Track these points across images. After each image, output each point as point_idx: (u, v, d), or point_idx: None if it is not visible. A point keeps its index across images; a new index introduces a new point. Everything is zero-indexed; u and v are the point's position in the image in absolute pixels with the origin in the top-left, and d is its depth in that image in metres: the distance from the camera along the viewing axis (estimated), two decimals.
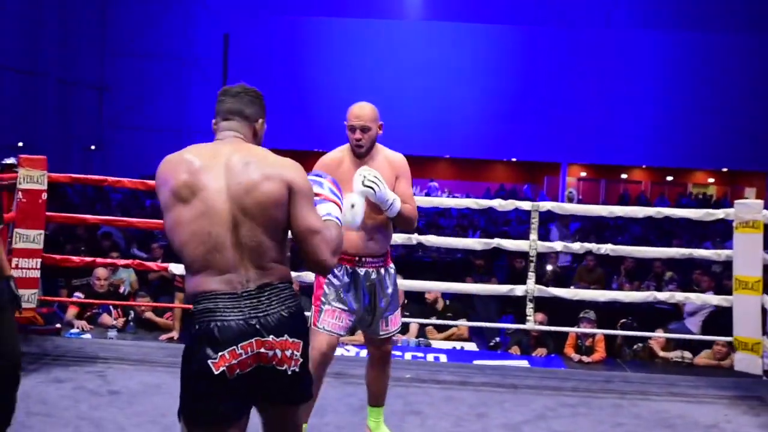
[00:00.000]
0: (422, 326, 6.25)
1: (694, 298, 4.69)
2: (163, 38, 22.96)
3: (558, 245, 4.68)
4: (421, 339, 5.95)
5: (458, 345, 6.00)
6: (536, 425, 3.90)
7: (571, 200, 21.07)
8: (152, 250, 8.16)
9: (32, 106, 19.37)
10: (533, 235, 4.63)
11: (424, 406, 4.07)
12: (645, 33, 22.71)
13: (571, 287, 7.94)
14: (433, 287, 5.03)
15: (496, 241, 4.65)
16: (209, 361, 1.97)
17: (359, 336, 5.72)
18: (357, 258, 3.15)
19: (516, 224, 15.77)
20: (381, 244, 3.20)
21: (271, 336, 2.01)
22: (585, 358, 5.54)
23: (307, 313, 2.42)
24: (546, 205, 4.65)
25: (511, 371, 4.95)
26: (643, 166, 24.90)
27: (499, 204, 4.71)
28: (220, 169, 2.07)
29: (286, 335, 2.04)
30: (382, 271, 3.23)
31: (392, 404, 4.05)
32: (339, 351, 5.61)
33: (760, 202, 4.48)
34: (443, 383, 4.53)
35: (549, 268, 8.73)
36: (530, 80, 22.81)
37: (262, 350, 2.01)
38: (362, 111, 3.15)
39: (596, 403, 4.31)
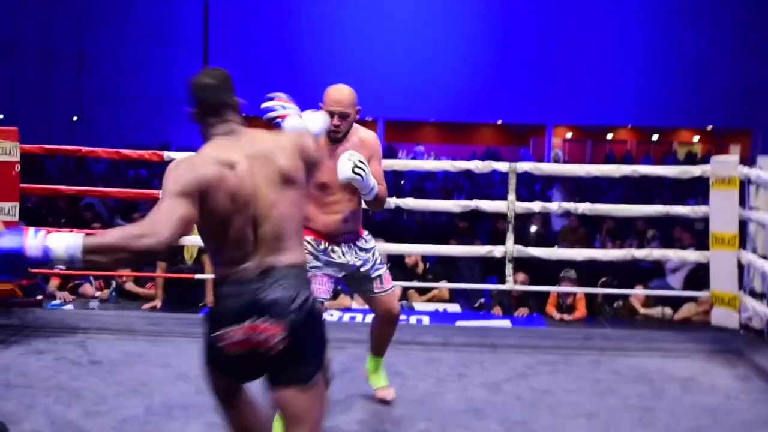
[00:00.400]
0: (404, 290, 6.27)
1: (672, 255, 4.72)
2: (142, 7, 22.63)
3: (536, 206, 4.68)
4: (403, 302, 5.97)
5: (441, 307, 6.03)
6: (516, 383, 3.95)
7: (557, 161, 21.08)
8: (133, 220, 8.12)
9: (11, 77, 19.11)
10: (511, 196, 4.63)
11: (405, 368, 4.10)
12: None
13: (556, 247, 8.01)
14: (412, 250, 5.04)
15: (474, 203, 4.66)
16: (212, 336, 2.14)
17: (342, 300, 5.76)
18: (332, 236, 3.18)
19: (500, 186, 15.80)
20: (354, 223, 3.23)
21: (261, 319, 2.09)
22: (566, 317, 5.59)
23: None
24: (523, 166, 4.65)
25: (492, 331, 5.00)
26: (629, 126, 24.93)
27: (476, 166, 4.70)
28: (248, 166, 2.11)
29: (276, 317, 2.10)
30: (356, 243, 3.26)
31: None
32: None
33: (736, 158, 4.49)
34: (425, 345, 4.56)
35: (533, 229, 8.76)
36: (515, 42, 22.70)
37: (252, 335, 2.09)
38: (341, 95, 3.03)
39: (575, 360, 4.36)
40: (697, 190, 12.46)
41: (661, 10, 22.16)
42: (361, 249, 3.28)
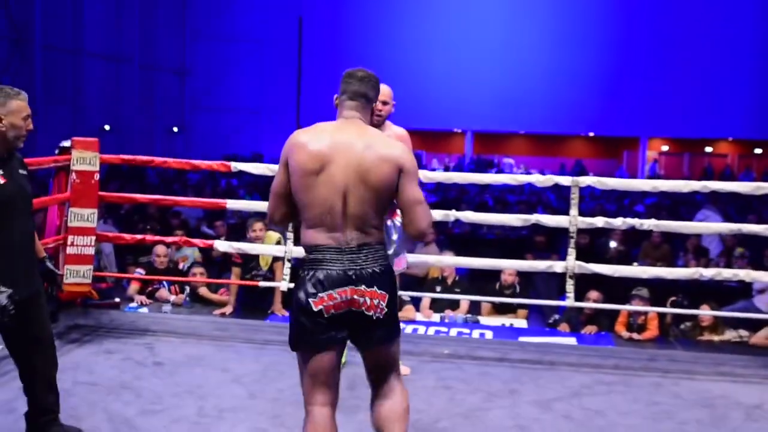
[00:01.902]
0: (475, 304, 6.22)
1: (743, 275, 4.50)
2: (240, 21, 23.41)
3: (599, 221, 4.57)
4: (468, 315, 5.94)
5: (508, 322, 5.95)
6: (568, 402, 3.86)
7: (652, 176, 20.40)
8: (216, 227, 8.41)
9: (117, 91, 20.14)
10: (573, 211, 4.54)
11: (455, 382, 4.09)
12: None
13: (635, 264, 7.76)
14: (457, 263, 4.99)
15: (535, 217, 4.59)
16: (310, 300, 2.45)
17: (406, 312, 5.77)
18: None
19: (589, 200, 15.43)
20: None
21: (363, 286, 2.46)
22: (636, 336, 5.41)
23: None
24: (586, 180, 4.55)
25: (553, 348, 4.90)
26: (730, 139, 23.86)
27: (536, 179, 4.64)
28: (346, 149, 2.47)
29: (375, 287, 2.48)
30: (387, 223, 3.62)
31: (424, 379, 4.10)
32: None
33: None
34: (480, 359, 4.53)
35: (613, 245, 8.52)
36: (607, 52, 22.17)
37: (354, 297, 2.46)
38: (383, 87, 3.35)
39: (635, 382, 4.22)
40: None
41: (764, 18, 21.15)
42: (391, 234, 3.68)
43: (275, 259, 5.84)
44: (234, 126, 23.31)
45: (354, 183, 2.46)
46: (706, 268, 5.13)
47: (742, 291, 7.17)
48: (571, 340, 5.37)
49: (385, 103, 3.65)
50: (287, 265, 4.80)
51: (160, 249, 6.26)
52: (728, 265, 7.98)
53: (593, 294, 5.86)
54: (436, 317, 6.02)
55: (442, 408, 3.66)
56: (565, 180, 4.59)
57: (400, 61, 22.70)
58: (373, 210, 2.50)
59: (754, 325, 5.78)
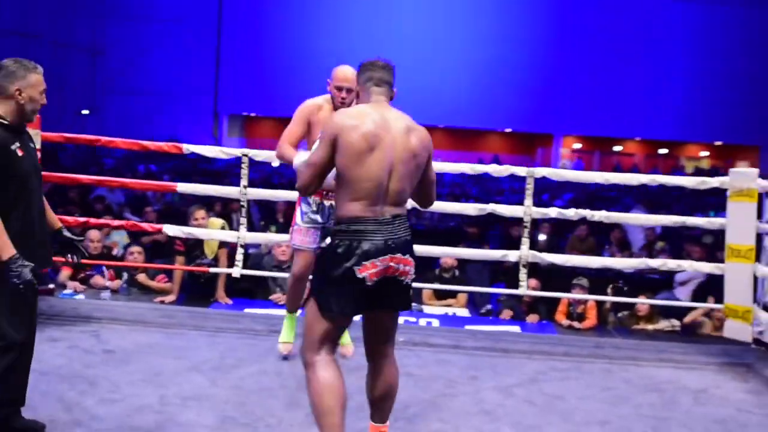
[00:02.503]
0: (417, 292, 6.27)
1: (686, 266, 4.72)
2: (157, 2, 22.68)
3: (552, 211, 4.69)
4: (414, 304, 5.96)
5: (450, 311, 6.03)
6: (528, 388, 3.94)
7: None
8: (145, 213, 8.13)
9: None
10: (528, 201, 4.63)
11: (415, 369, 4.10)
12: (644, 3, 22.56)
13: (503, 251, 7.96)
14: (429, 252, 5.03)
15: (491, 207, 4.65)
16: (356, 268, 2.61)
17: None
18: (325, 192, 3.69)
19: (509, 194, 15.80)
20: None
21: (399, 254, 2.67)
22: (576, 324, 5.58)
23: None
24: (541, 171, 4.65)
25: (503, 336, 4.99)
26: (637, 139, 24.92)
27: (493, 170, 4.71)
28: (393, 130, 2.68)
29: (408, 254, 2.72)
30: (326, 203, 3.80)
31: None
32: None
33: (755, 170, 4.49)
34: (436, 347, 4.56)
35: (542, 237, 8.75)
36: (526, 50, 22.71)
37: (392, 264, 2.66)
38: (350, 74, 3.61)
39: (587, 368, 4.36)
40: (706, 204, 12.44)
41: (673, 25, 22.16)
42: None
43: (220, 246, 5.71)
44: (149, 109, 22.59)
45: (399, 161, 2.67)
46: (638, 258, 5.31)
47: (664, 283, 7.52)
48: (516, 328, 5.48)
49: (350, 90, 3.64)
50: (240, 251, 4.68)
51: (93, 234, 6.01)
52: (651, 256, 8.34)
53: (532, 282, 5.99)
54: None
55: (409, 394, 3.66)
56: (520, 171, 4.67)
57: (322, 46, 22.55)
58: (409, 185, 2.74)
59: (679, 315, 6.06)
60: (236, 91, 23.40)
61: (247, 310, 5.33)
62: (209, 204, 7.93)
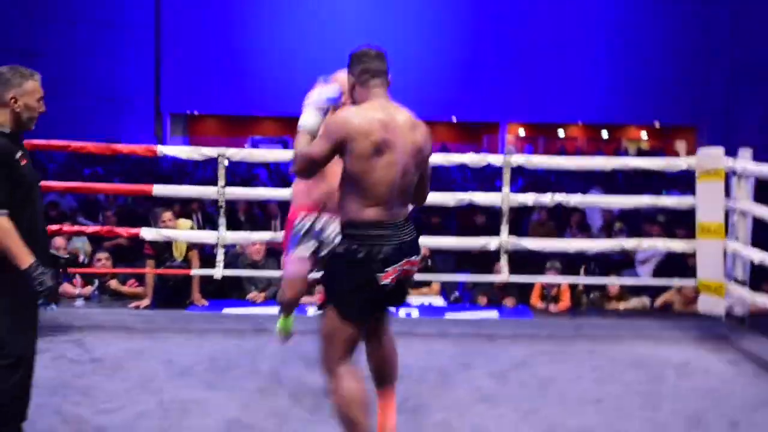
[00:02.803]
0: None
1: (660, 245, 4.87)
2: (92, 3, 22.08)
3: (529, 198, 4.77)
4: None
5: (426, 300, 6.08)
6: (520, 372, 4.03)
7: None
8: (106, 218, 7.94)
9: None
10: (506, 189, 4.71)
11: (408, 359, 4.10)
12: None
13: (484, 238, 8.12)
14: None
15: (469, 196, 4.71)
16: (378, 275, 2.56)
17: None
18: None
19: (461, 182, 15.95)
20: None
21: (412, 256, 2.68)
22: (551, 307, 5.69)
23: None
24: (518, 159, 4.73)
25: (485, 323, 5.07)
26: (579, 123, 25.40)
27: (470, 159, 4.77)
28: (401, 131, 2.60)
29: (416, 255, 2.71)
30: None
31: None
32: (312, 310, 5.63)
33: (721, 150, 4.64)
34: (423, 336, 4.61)
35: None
36: (468, 39, 22.90)
37: (405, 267, 2.64)
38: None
39: (571, 349, 4.46)
40: (658, 185, 12.76)
41: (609, 9, 22.65)
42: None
43: (189, 248, 5.63)
44: (86, 113, 21.99)
45: (409, 162, 2.62)
46: (613, 240, 5.46)
47: (626, 262, 7.73)
48: (494, 314, 5.56)
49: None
50: (221, 251, 4.63)
51: (59, 241, 5.84)
52: (609, 237, 8.54)
53: (504, 268, 6.08)
54: None
55: (405, 387, 3.67)
56: (497, 159, 4.74)
57: (264, 44, 22.37)
58: (414, 184, 2.70)
59: (648, 292, 6.24)
60: (178, 89, 22.97)
61: (226, 311, 5.29)
62: (167, 206, 7.80)
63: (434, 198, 4.96)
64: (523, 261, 6.52)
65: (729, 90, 22.19)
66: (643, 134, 25.96)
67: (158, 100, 23.53)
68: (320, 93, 2.80)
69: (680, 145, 24.73)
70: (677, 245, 4.83)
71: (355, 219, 2.61)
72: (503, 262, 4.78)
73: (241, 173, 14.78)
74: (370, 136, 2.54)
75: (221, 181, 4.50)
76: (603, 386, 3.84)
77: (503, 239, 4.73)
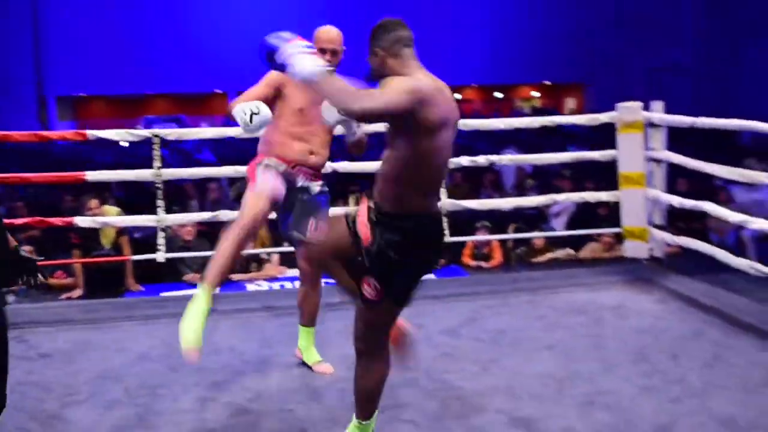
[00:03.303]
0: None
1: (588, 197, 5.13)
2: None
3: (464, 160, 4.91)
4: None
5: None
6: (471, 327, 4.19)
7: None
8: (17, 209, 7.58)
9: None
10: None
11: None
12: None
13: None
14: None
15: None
16: (433, 266, 2.62)
17: (268, 269, 5.76)
18: (294, 165, 3.31)
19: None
20: (318, 159, 3.36)
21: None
22: (484, 264, 5.91)
23: None
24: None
25: (427, 284, 5.18)
26: (474, 85, 25.97)
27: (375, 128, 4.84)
28: (452, 103, 2.38)
29: None
30: (309, 180, 3.37)
31: (334, 326, 4.19)
32: (252, 287, 5.63)
33: (639, 104, 4.93)
34: None
35: None
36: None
37: None
38: (332, 35, 3.23)
39: (513, 302, 4.67)
40: (561, 142, 13.22)
41: None
42: (313, 191, 3.39)
43: (119, 234, 5.50)
44: None
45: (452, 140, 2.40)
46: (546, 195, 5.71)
47: (540, 216, 8.08)
48: (430, 276, 5.71)
49: (335, 53, 3.21)
50: (161, 234, 4.55)
51: None
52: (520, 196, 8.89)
53: None
54: (292, 272, 6.06)
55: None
56: None
57: (152, 18, 21.60)
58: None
59: (570, 244, 6.58)
60: (63, 71, 21.90)
61: (164, 294, 5.21)
62: (77, 193, 7.54)
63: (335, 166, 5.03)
64: (451, 222, 6.73)
65: (613, 48, 23.21)
66: (535, 93, 26.81)
67: (41, 84, 22.37)
68: (294, 45, 2.31)
69: (570, 102, 25.73)
70: (604, 195, 5.10)
71: (409, 210, 2.39)
72: (444, 224, 4.90)
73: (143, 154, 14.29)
74: (437, 106, 2.25)
75: (157, 162, 4.40)
76: (551, 333, 4.06)
77: (444, 202, 4.86)
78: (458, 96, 25.97)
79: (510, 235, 5.88)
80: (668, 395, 3.21)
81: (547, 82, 25.76)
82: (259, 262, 5.80)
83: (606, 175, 5.53)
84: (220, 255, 3.07)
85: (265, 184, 3.19)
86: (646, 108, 4.99)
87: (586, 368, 3.54)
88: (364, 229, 2.46)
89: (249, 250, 5.33)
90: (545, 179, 9.60)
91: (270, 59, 2.35)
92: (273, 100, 3.22)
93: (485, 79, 24.58)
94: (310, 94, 3.07)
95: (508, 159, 4.93)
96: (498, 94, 26.50)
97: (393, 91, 2.20)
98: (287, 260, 6.19)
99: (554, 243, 6.38)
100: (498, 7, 23.31)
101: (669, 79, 21.58)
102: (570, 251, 6.16)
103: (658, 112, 4.92)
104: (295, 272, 6.00)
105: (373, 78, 2.42)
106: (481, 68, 23.65)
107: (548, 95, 26.59)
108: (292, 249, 5.78)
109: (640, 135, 4.87)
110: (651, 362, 3.60)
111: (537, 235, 6.05)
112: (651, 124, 4.87)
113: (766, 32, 19.41)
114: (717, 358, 3.62)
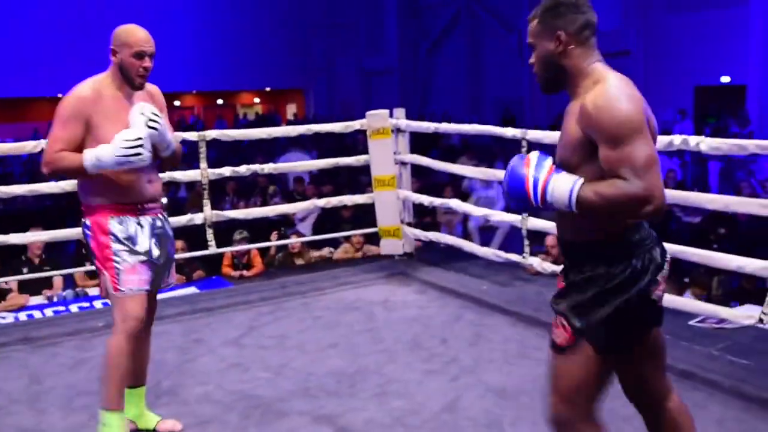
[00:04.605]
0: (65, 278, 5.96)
1: (347, 200, 5.40)
2: None
3: (227, 170, 4.90)
4: (78, 290, 5.68)
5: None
6: (253, 336, 4.23)
7: None
8: None
9: None
10: (203, 164, 4.78)
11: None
12: None
13: (188, 214, 8.21)
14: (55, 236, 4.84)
15: (168, 175, 4.66)
16: (651, 287, 1.94)
17: (16, 299, 5.26)
18: (139, 206, 2.81)
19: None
20: (158, 186, 2.91)
21: (667, 262, 2.03)
22: (246, 273, 5.93)
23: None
24: (212, 134, 4.83)
25: (192, 298, 5.12)
26: (194, 92, 25.51)
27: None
28: (649, 110, 1.92)
29: (666, 261, 2.03)
30: (161, 217, 2.91)
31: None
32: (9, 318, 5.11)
33: (386, 112, 5.31)
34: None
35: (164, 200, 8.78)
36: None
37: (665, 272, 2.00)
38: (147, 33, 2.76)
39: (288, 306, 4.79)
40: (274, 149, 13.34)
41: None
42: (169, 233, 2.96)
43: None
44: None
45: None
46: (308, 201, 5.89)
47: (285, 222, 8.29)
48: (192, 289, 5.62)
49: (152, 56, 2.76)
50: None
51: None
52: (266, 202, 9.06)
53: (179, 243, 6.13)
54: (36, 300, 5.58)
55: (150, 371, 3.66)
56: (191, 135, 4.77)
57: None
58: None
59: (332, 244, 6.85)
60: None
61: None
62: None
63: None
64: (194, 235, 6.61)
65: (327, 53, 24.29)
66: (256, 99, 27.09)
67: None
68: (534, 159, 1.95)
69: (291, 107, 26.41)
70: (359, 199, 5.42)
71: (616, 230, 1.93)
72: (210, 236, 4.87)
73: None
74: (645, 112, 1.89)
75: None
76: (331, 331, 4.25)
77: (207, 213, 4.82)
78: (177, 103, 25.35)
79: (272, 243, 5.97)
80: (448, 375, 3.56)
81: (268, 89, 26.16)
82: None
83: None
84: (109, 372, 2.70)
85: (126, 284, 2.72)
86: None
87: (371, 360, 3.78)
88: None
89: None
90: (284, 185, 9.86)
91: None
92: (83, 135, 2.68)
93: (207, 86, 24.29)
94: (122, 115, 2.69)
95: (270, 167, 5.01)
96: (219, 101, 26.29)
97: (640, 136, 1.80)
98: (27, 287, 5.69)
99: (309, 245, 6.61)
100: (222, 16, 23.18)
101: (378, 81, 23.13)
102: (331, 250, 6.42)
103: (401, 119, 5.34)
104: (39, 299, 5.58)
105: (544, 69, 1.99)
106: (202, 75, 23.33)
107: (270, 101, 27.00)
108: (31, 275, 5.38)
109: (389, 140, 5.25)
110: (426, 348, 3.94)
111: (295, 241, 6.23)
112: (398, 130, 5.28)
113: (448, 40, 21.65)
114: (479, 337, 4.08)
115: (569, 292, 1.98)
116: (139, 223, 2.80)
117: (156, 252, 2.83)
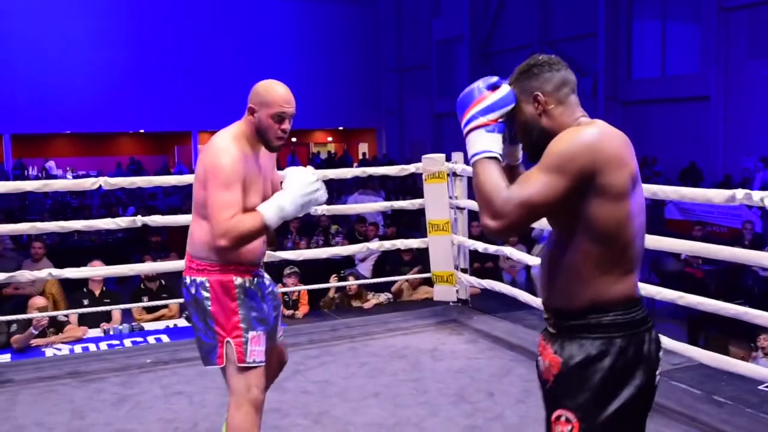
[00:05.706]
0: (124, 312, 6.05)
1: (399, 244, 5.34)
2: None
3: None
4: (133, 324, 5.75)
5: (170, 323, 5.94)
6: (296, 380, 4.16)
7: None
8: None
9: None
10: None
11: (183, 386, 4.06)
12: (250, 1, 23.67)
13: None
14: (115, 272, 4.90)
15: (149, 219, 4.63)
16: (656, 373, 1.80)
17: (72, 331, 5.35)
18: (258, 265, 2.64)
19: (162, 197, 15.57)
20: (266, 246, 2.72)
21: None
22: (294, 313, 5.91)
23: None
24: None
25: None
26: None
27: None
28: (635, 159, 1.80)
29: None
30: (268, 276, 2.76)
31: (150, 389, 4.00)
32: (50, 352, 5.20)
33: (442, 156, 5.24)
34: (188, 361, 4.52)
35: None
36: (152, 48, 22.31)
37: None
38: (290, 93, 2.51)
39: (335, 350, 4.72)
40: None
41: (276, 21, 23.65)
42: (275, 288, 2.79)
43: None
44: None
45: None
46: (360, 244, 5.86)
47: (347, 262, 8.27)
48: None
49: (291, 118, 2.54)
50: None
51: None
52: (328, 242, 9.09)
53: None
54: (94, 332, 5.67)
55: (188, 414, 3.64)
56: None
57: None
58: None
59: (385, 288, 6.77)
60: None
61: None
62: None
63: (170, 219, 4.88)
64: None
65: (400, 98, 24.57)
66: (329, 138, 27.52)
67: None
68: (490, 100, 1.86)
69: (362, 147, 26.69)
70: (415, 243, 5.35)
71: (606, 299, 1.76)
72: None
73: None
74: (625, 166, 1.72)
75: None
76: (375, 380, 4.15)
77: None
78: None
79: (320, 286, 5.93)
80: None
81: (341, 128, 26.55)
82: (56, 325, 5.36)
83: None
84: None
85: (253, 355, 2.53)
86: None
87: (412, 413, 3.66)
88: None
89: (41, 313, 4.94)
90: (347, 225, 9.86)
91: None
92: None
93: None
94: (257, 175, 2.52)
95: (333, 208, 5.01)
96: (293, 139, 26.81)
97: (543, 179, 1.70)
98: (87, 319, 5.79)
99: (366, 287, 6.55)
100: (282, 58, 23.78)
101: (447, 124, 23.19)
102: (388, 295, 6.33)
103: (459, 163, 5.26)
104: (97, 332, 5.67)
105: (526, 135, 1.89)
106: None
107: (342, 140, 27.38)
108: (92, 309, 5.47)
109: (444, 184, 5.18)
110: (470, 402, 3.80)
111: (352, 283, 6.19)
112: (454, 174, 5.20)
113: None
114: (528, 394, 3.89)
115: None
116: (259, 286, 2.60)
117: (272, 316, 2.69)
